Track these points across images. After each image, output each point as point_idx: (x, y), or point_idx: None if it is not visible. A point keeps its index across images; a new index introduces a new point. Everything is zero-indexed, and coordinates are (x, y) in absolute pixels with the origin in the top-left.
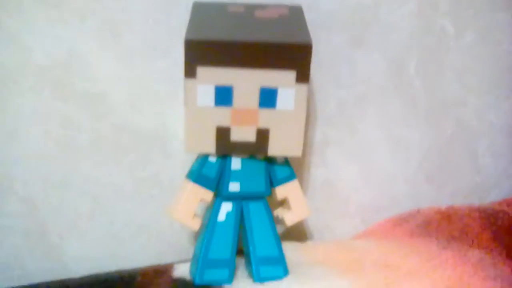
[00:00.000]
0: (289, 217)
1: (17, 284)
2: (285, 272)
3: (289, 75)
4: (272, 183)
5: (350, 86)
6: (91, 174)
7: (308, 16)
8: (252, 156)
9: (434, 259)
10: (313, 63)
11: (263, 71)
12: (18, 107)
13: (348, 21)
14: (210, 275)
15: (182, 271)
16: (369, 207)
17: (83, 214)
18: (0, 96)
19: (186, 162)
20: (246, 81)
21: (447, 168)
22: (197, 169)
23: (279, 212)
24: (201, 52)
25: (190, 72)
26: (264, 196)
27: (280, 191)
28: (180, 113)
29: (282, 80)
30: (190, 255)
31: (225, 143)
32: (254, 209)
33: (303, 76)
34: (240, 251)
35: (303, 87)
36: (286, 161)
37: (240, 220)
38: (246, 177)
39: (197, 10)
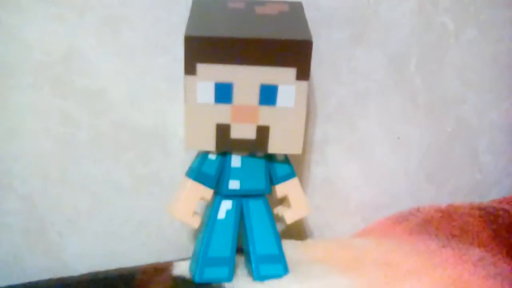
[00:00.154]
0: (289, 215)
1: (16, 282)
2: (285, 270)
3: (290, 72)
4: (272, 180)
5: (350, 83)
6: (90, 171)
7: (308, 13)
8: (252, 154)
9: (434, 257)
10: (313, 60)
11: (263, 68)
12: (18, 104)
13: (348, 18)
14: (210, 273)
15: (182, 269)
16: (369, 205)
17: (82, 212)
18: (0, 93)
19: (186, 159)
20: (246, 78)
21: (447, 166)
22: (197, 166)
23: (279, 210)
24: (201, 49)
25: (190, 69)
26: (264, 194)
27: (280, 189)
28: (180, 110)
29: (283, 77)
30: (190, 253)
31: (225, 141)
32: (254, 207)
33: (304, 73)
34: (240, 249)
35: (303, 84)
36: (286, 159)
37: (240, 218)
38: (246, 175)
39: (197, 6)
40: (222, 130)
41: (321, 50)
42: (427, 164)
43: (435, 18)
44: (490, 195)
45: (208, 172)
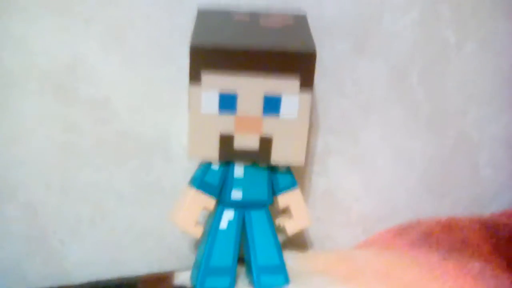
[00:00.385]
0: (291, 225)
1: None
2: (286, 280)
3: (293, 83)
4: (274, 191)
5: (352, 95)
6: (92, 180)
7: (312, 25)
8: (254, 164)
9: (434, 270)
10: (317, 71)
11: (268, 79)
12: (21, 111)
13: (351, 30)
14: (211, 283)
15: (183, 279)
16: (370, 217)
17: (84, 220)
18: (3, 100)
19: (188, 168)
20: (250, 88)
21: (448, 178)
22: (200, 176)
23: (280, 220)
24: (206, 59)
25: (194, 78)
26: (266, 204)
27: (282, 200)
28: (183, 119)
29: (286, 88)
30: (191, 262)
31: (228, 150)
32: (256, 218)
33: (307, 84)
34: (242, 259)
35: (307, 95)
36: (288, 170)
37: (242, 228)
38: (248, 185)
39: (202, 17)
40: (226, 140)
41: (324, 61)
42: (428, 176)
43: (437, 31)
44: (490, 208)
45: (211, 181)
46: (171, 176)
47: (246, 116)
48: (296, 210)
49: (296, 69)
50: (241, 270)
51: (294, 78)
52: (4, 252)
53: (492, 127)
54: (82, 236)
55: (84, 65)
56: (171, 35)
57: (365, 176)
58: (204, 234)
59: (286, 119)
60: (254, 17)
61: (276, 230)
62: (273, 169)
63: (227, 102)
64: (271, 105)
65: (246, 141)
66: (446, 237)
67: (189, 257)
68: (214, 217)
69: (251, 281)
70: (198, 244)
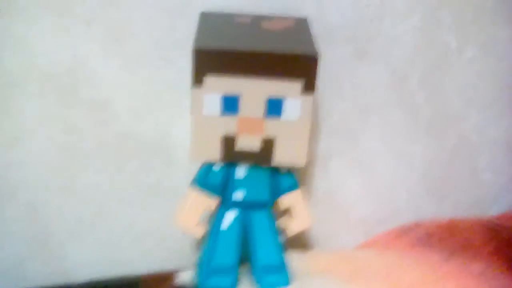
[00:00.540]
0: (292, 226)
1: None
2: (289, 280)
3: (296, 86)
4: (275, 192)
5: (353, 98)
6: (93, 181)
7: (313, 29)
8: (256, 165)
9: (436, 271)
10: (318, 74)
11: (270, 81)
12: (22, 113)
13: (352, 34)
14: (214, 283)
15: (184, 279)
16: (371, 218)
17: (85, 220)
18: (4, 101)
19: (189, 169)
20: (253, 91)
21: (448, 181)
22: (201, 177)
23: (281, 221)
24: (209, 61)
25: (197, 81)
26: (268, 205)
27: (284, 201)
28: (184, 121)
29: (289, 90)
30: (193, 263)
31: (230, 152)
32: (258, 218)
33: (310, 86)
34: (244, 260)
35: (309, 98)
36: (290, 171)
37: (244, 228)
38: (250, 186)
39: (204, 20)
40: (228, 142)
41: (324, 65)
42: (428, 179)
43: (437, 36)
44: (490, 211)
45: (213, 182)
46: (172, 178)
47: (248, 118)
48: (297, 211)
49: (299, 72)
50: (244, 271)
51: (296, 81)
52: (4, 252)
53: (492, 131)
54: (83, 236)
55: (84, 67)
56: (172, 37)
57: (365, 178)
58: (206, 234)
59: (288, 121)
60: (256, 20)
61: (278, 230)
62: (275, 170)
63: (230, 104)
64: (274, 107)
65: (248, 143)
66: (447, 239)
67: (190, 258)
68: (216, 217)
69: (254, 281)
70: (199, 244)
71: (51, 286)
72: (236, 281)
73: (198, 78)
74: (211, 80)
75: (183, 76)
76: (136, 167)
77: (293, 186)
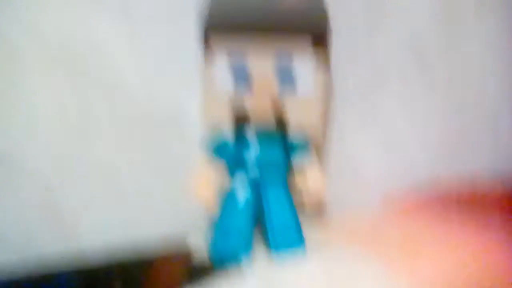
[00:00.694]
0: (308, 193)
1: (30, 258)
2: (302, 241)
3: (305, 53)
4: (289, 156)
5: (369, 65)
6: (106, 156)
7: None
8: (268, 129)
9: (456, 232)
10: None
11: (278, 50)
12: (33, 92)
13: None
14: (226, 245)
15: (200, 255)
16: (389, 182)
17: (97, 195)
18: (18, 83)
19: (203, 144)
20: (261, 60)
21: (467, 145)
22: (214, 150)
23: (297, 189)
24: (214, 31)
25: (205, 51)
26: (282, 171)
27: (298, 169)
28: (196, 91)
29: (298, 58)
30: (205, 228)
31: (242, 117)
32: (273, 192)
33: (321, 54)
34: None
35: (322, 65)
36: (303, 134)
37: (258, 197)
38: (263, 151)
39: None
40: (240, 112)
41: (338, 30)
42: (447, 142)
43: None
44: (509, 167)
45: (225, 155)
46: (186, 151)
47: (259, 87)
48: (312, 175)
49: (307, 40)
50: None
51: (305, 49)
52: (17, 220)
53: None
54: (96, 208)
55: (94, 44)
56: (181, 8)
57: (382, 140)
58: (220, 207)
59: (301, 90)
60: None
61: (293, 202)
62: (287, 135)
63: (240, 74)
64: (285, 76)
65: (260, 106)
66: (467, 201)
67: (203, 223)
68: (230, 189)
69: (267, 243)
70: (213, 217)
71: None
72: (250, 243)
73: (205, 49)
74: (218, 50)
75: (193, 47)
76: (149, 142)
77: (307, 149)
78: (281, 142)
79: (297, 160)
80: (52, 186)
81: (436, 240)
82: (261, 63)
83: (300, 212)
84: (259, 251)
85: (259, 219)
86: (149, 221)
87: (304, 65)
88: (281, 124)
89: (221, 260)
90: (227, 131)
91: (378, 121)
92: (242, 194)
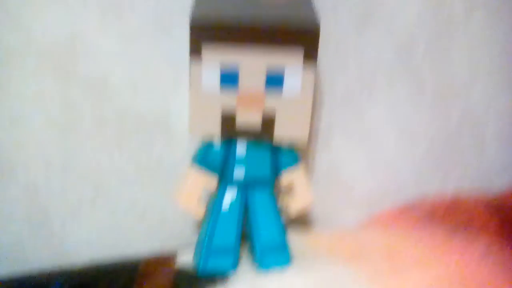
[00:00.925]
0: (293, 203)
1: (18, 270)
2: (289, 260)
3: (297, 57)
4: (276, 168)
5: (356, 70)
6: (93, 160)
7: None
8: (257, 141)
9: (440, 247)
10: (320, 47)
11: (270, 53)
12: (20, 91)
13: (355, 4)
14: (214, 263)
15: (186, 260)
16: (374, 194)
17: (85, 200)
18: (2, 80)
19: (190, 147)
20: (253, 63)
21: (453, 155)
22: (201, 155)
23: (283, 198)
24: (207, 34)
25: (195, 54)
26: (269, 183)
27: (285, 177)
28: (184, 96)
29: (289, 62)
30: (193, 243)
31: (230, 127)
32: (259, 197)
33: (311, 59)
34: (245, 239)
35: (310, 70)
36: (292, 147)
37: (245, 207)
38: (251, 163)
39: None
40: (227, 116)
41: (327, 37)
42: (433, 152)
43: (443, 1)
44: (495, 185)
45: (213, 160)
46: (173, 156)
47: (248, 91)
48: (299, 188)
49: (299, 43)
50: (245, 250)
51: (297, 52)
52: (5, 233)
53: (499, 101)
54: (83, 216)
55: (82, 43)
56: (170, 8)
57: (369, 152)
58: (206, 213)
59: (289, 95)
60: None
61: (279, 210)
62: (276, 146)
63: (229, 78)
64: (274, 80)
65: (249, 118)
66: (451, 215)
67: (191, 237)
68: (217, 196)
69: (254, 261)
70: (200, 224)
71: (51, 269)
72: (236, 261)
73: (196, 51)
74: (209, 53)
75: (182, 49)
76: (136, 145)
77: (294, 162)
78: (270, 149)
79: (285, 172)
80: (39, 196)
81: (420, 255)
82: (252, 69)
83: (287, 225)
84: (245, 263)
85: (245, 231)
86: (136, 230)
87: (294, 77)
88: (270, 132)
89: (208, 272)
90: (216, 140)
91: (365, 133)
92: (229, 204)
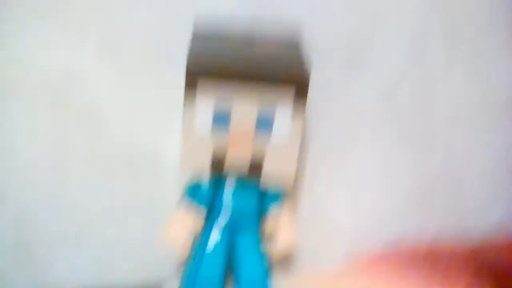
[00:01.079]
0: (279, 244)
1: None
2: None
3: (287, 102)
4: (263, 209)
5: (343, 114)
6: (81, 194)
7: (305, 47)
8: (245, 181)
9: (420, 286)
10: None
11: (262, 96)
12: (13, 123)
13: (343, 51)
14: None
15: None
16: (357, 234)
17: (71, 234)
18: None
19: (179, 186)
20: (244, 105)
21: (434, 198)
22: (190, 193)
23: (268, 239)
24: (202, 79)
25: (189, 95)
26: (255, 223)
27: (271, 218)
28: (175, 136)
29: (279, 106)
30: (177, 281)
31: (219, 166)
32: (245, 237)
33: (300, 102)
34: (229, 278)
35: (299, 113)
36: (278, 188)
37: (229, 249)
38: (238, 203)
39: (197, 37)
40: (218, 156)
41: (314, 82)
42: (414, 195)
43: (427, 53)
44: (475, 228)
45: (201, 198)
46: (161, 194)
47: (239, 133)
48: (284, 228)
49: (290, 88)
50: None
51: (287, 96)
52: None
53: (479, 145)
54: (68, 249)
55: (77, 80)
56: (166, 52)
57: (353, 194)
58: (191, 254)
59: (278, 137)
60: (248, 39)
61: (264, 251)
62: (263, 186)
63: (221, 119)
64: (264, 123)
65: (238, 159)
66: (430, 261)
67: (176, 275)
68: (203, 234)
69: None
70: (185, 262)
71: None
72: None
73: (190, 92)
74: (203, 95)
75: (176, 90)
76: (125, 181)
77: (281, 203)
78: (257, 191)
79: (271, 210)
80: (26, 228)
81: None
82: (244, 111)
83: (271, 262)
84: None
85: (230, 267)
86: (122, 266)
87: (283, 116)
88: (257, 173)
89: None
90: (205, 177)
91: (349, 175)
92: (214, 243)
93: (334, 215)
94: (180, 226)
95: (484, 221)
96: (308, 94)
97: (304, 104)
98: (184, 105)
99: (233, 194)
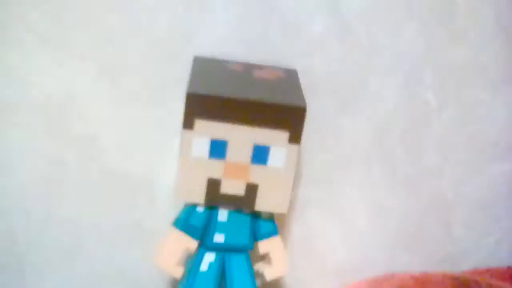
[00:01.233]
0: (269, 272)
1: None
2: None
3: (282, 135)
4: (255, 237)
5: (335, 150)
6: (74, 215)
7: (301, 82)
8: (238, 209)
9: None
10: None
11: (258, 129)
12: (10, 142)
13: (338, 88)
14: None
15: None
16: (346, 267)
17: (62, 254)
18: None
19: (171, 210)
20: (241, 137)
21: (421, 235)
22: (184, 217)
23: (259, 266)
24: (201, 106)
25: (188, 124)
26: (247, 249)
27: (263, 246)
28: (170, 162)
29: (275, 140)
30: None
31: (214, 195)
32: (236, 262)
33: (296, 137)
34: None
35: (294, 148)
36: (271, 217)
37: (221, 271)
38: (231, 230)
39: (198, 65)
40: (213, 185)
41: (310, 116)
42: (403, 231)
43: (419, 94)
44: (461, 266)
45: (195, 223)
46: (154, 217)
47: (235, 163)
48: (275, 257)
49: (286, 122)
50: None
51: (283, 131)
52: None
53: (466, 188)
54: (59, 269)
55: (76, 102)
56: (165, 79)
57: (343, 226)
58: (184, 275)
59: (273, 169)
60: (248, 67)
61: (255, 275)
62: (256, 215)
63: (218, 149)
64: (260, 154)
65: (233, 187)
66: None
67: None
68: (195, 259)
69: None
70: (177, 285)
71: None
72: None
73: (189, 121)
74: (201, 124)
75: (172, 117)
76: (118, 204)
77: (273, 233)
78: (249, 221)
79: (263, 241)
80: (16, 245)
81: None
82: (240, 146)
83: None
84: None
85: None
86: (115, 283)
87: (278, 153)
88: (252, 201)
89: None
90: (198, 206)
91: (339, 208)
92: (207, 268)
93: (324, 244)
94: (173, 248)
95: (470, 258)
96: (304, 128)
97: (298, 140)
98: (182, 135)
99: (227, 220)
